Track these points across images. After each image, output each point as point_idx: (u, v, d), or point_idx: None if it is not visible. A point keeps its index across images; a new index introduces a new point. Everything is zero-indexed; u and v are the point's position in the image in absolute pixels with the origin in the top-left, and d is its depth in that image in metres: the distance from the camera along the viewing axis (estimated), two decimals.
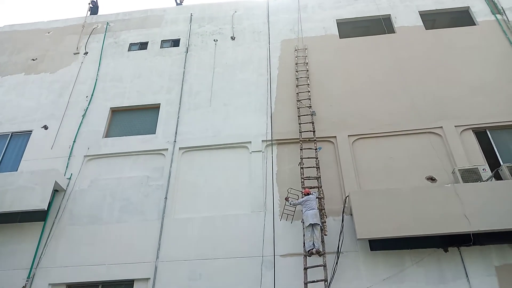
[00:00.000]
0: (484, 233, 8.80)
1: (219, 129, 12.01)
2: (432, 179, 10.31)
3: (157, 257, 9.72)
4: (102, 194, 11.04)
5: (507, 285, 8.41)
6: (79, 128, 12.59)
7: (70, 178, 11.39)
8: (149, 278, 9.43)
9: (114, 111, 13.19)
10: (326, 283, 8.29)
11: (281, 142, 11.50)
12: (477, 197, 9.07)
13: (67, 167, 11.67)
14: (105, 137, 12.42)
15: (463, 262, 8.81)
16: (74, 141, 12.27)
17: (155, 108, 12.91)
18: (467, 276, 8.64)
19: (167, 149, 11.70)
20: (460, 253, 8.92)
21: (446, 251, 9.02)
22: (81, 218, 10.67)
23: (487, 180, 9.57)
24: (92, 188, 11.21)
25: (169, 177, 11.11)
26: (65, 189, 11.13)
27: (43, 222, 10.58)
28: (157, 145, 11.86)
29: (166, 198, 10.71)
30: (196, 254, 9.67)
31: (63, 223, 10.60)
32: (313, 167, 10.49)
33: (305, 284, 8.37)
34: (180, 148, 11.71)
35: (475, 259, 8.81)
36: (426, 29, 13.80)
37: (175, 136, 11.96)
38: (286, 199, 9.70)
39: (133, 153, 11.80)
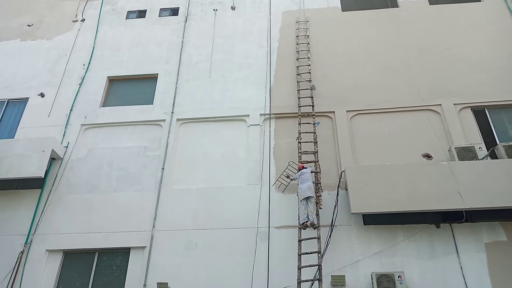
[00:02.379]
0: (476, 210, 8.94)
1: (218, 102, 11.94)
2: (428, 156, 10.35)
3: (154, 226, 9.85)
4: (99, 163, 11.07)
5: (495, 261, 8.60)
6: (76, 97, 12.49)
7: (67, 147, 11.39)
8: (145, 246, 9.58)
9: (112, 80, 13.05)
10: (319, 255, 8.46)
11: (280, 116, 11.46)
12: (472, 175, 9.14)
13: (64, 135, 11.64)
14: (102, 106, 12.34)
15: (454, 238, 8.97)
16: (71, 110, 12.19)
17: (153, 78, 12.77)
18: (457, 251, 8.80)
19: (164, 120, 11.66)
20: (452, 230, 9.07)
21: (438, 227, 9.17)
22: (78, 186, 10.74)
23: (483, 158, 9.61)
24: (89, 157, 11.23)
25: (166, 148, 11.12)
26: (62, 157, 11.14)
27: (40, 189, 10.65)
28: (154, 116, 11.81)
29: (163, 168, 10.76)
30: (192, 224, 9.80)
31: (60, 191, 10.67)
32: (311, 141, 10.50)
33: (299, 255, 8.54)
34: (177, 120, 11.66)
35: (466, 236, 8.96)
36: (430, 4, 13.52)
37: (173, 107, 11.89)
38: (287, 176, 9.77)
39: (131, 123, 11.75)
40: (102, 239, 9.76)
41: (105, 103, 12.48)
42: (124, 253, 9.71)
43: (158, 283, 8.98)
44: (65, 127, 11.82)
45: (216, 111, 11.73)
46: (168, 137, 11.32)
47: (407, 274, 8.48)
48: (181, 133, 11.52)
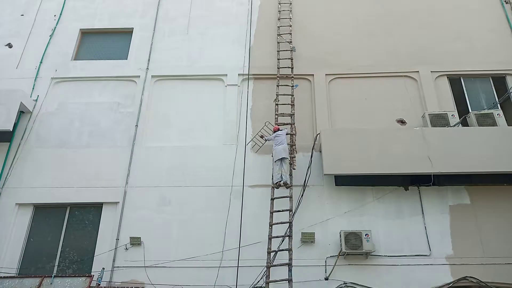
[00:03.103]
0: (444, 175, 9.26)
1: (195, 59, 11.67)
2: (402, 121, 10.54)
3: (127, 183, 9.78)
4: (70, 118, 10.78)
5: (457, 223, 9.01)
6: (46, 49, 11.95)
7: (36, 100, 10.99)
8: (118, 202, 9.54)
9: (84, 33, 12.52)
10: (290, 213, 8.64)
11: (258, 77, 11.33)
12: (442, 141, 9.40)
13: (33, 88, 11.19)
14: (74, 59, 11.88)
15: (421, 201, 9.30)
16: (41, 62, 11.69)
17: (128, 32, 12.30)
18: (423, 213, 9.16)
19: (139, 76, 11.35)
20: (419, 192, 9.39)
21: (406, 189, 9.47)
22: (49, 141, 10.47)
23: (455, 125, 9.87)
24: (60, 112, 10.90)
25: (141, 105, 10.89)
26: (31, 111, 10.77)
27: (9, 143, 10.32)
28: (128, 72, 11.47)
29: (137, 126, 10.58)
30: (166, 181, 9.78)
31: (30, 145, 10.38)
32: (288, 104, 10.47)
33: (271, 213, 8.70)
34: (152, 76, 11.38)
35: (432, 198, 9.31)
36: None
37: (148, 64, 11.56)
38: (261, 136, 9.79)
39: (103, 78, 11.40)
40: (74, 194, 9.65)
41: (77, 57, 12.02)
42: (96, 208, 9.65)
43: (131, 238, 9.02)
44: (35, 80, 11.35)
45: (193, 69, 11.49)
46: (142, 94, 11.07)
47: (374, 233, 8.80)
48: (156, 90, 11.27)
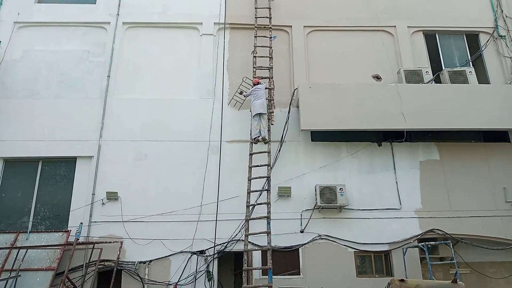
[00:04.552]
0: (416, 131, 9.59)
1: (168, 6, 11.08)
2: (378, 77, 10.62)
3: (101, 136, 9.54)
4: (37, 67, 10.18)
5: (426, 177, 9.48)
6: None
7: None
8: (93, 156, 9.35)
9: None
10: (268, 168, 8.78)
11: (235, 27, 10.95)
12: (416, 97, 9.62)
13: None
14: (38, 2, 10.99)
15: (393, 156, 9.66)
16: (1, 4, 10.76)
17: None
18: (394, 168, 9.55)
19: (109, 23, 10.74)
20: (392, 148, 9.72)
21: (379, 145, 9.76)
22: (15, 91, 9.92)
23: (428, 82, 10.05)
24: (26, 59, 10.25)
25: (112, 54, 10.41)
26: None
27: None
28: (97, 17, 10.81)
29: (109, 76, 10.17)
30: (142, 135, 9.61)
31: None
32: (266, 56, 10.25)
33: (250, 168, 8.80)
34: (123, 23, 10.79)
35: (404, 154, 9.68)
36: None
37: (118, 9, 10.89)
38: (240, 92, 9.64)
39: (71, 24, 10.71)
40: (46, 147, 9.34)
41: None
42: (70, 162, 9.44)
43: (107, 192, 8.96)
44: None
45: (166, 16, 10.96)
46: (113, 42, 10.53)
47: (348, 187, 9.15)
48: (127, 38, 10.74)
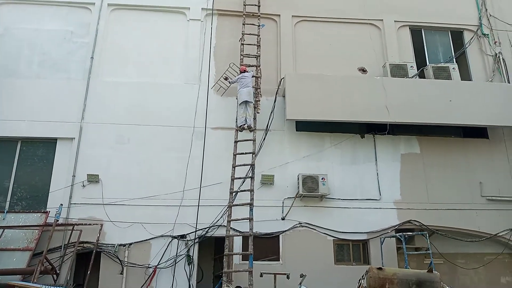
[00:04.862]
0: (399, 124, 9.73)
1: None
2: (363, 70, 10.72)
3: (83, 118, 9.38)
4: (18, 45, 9.93)
5: (406, 170, 9.67)
6: None
7: None
8: (74, 138, 9.21)
9: None
10: (253, 156, 8.79)
11: (223, 13, 10.86)
12: (400, 91, 9.78)
13: None
14: None
15: (375, 148, 9.80)
16: None
17: None
18: (376, 160, 9.70)
19: (94, 4, 10.53)
20: (374, 140, 9.86)
21: (362, 137, 9.89)
22: None
23: (413, 77, 10.21)
24: (6, 38, 9.98)
25: (96, 35, 10.22)
26: None
27: None
28: None
29: (92, 58, 9.98)
30: (125, 119, 9.49)
31: None
32: (254, 44, 10.21)
33: (234, 155, 8.81)
34: (109, 4, 10.59)
35: (386, 146, 9.83)
36: None
37: None
38: (226, 78, 9.58)
39: (54, 3, 10.46)
40: (25, 127, 9.15)
41: None
42: (50, 143, 9.27)
43: (88, 175, 8.84)
44: None
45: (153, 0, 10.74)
46: (98, 23, 10.34)
47: (330, 177, 9.25)
48: (112, 20, 10.54)
